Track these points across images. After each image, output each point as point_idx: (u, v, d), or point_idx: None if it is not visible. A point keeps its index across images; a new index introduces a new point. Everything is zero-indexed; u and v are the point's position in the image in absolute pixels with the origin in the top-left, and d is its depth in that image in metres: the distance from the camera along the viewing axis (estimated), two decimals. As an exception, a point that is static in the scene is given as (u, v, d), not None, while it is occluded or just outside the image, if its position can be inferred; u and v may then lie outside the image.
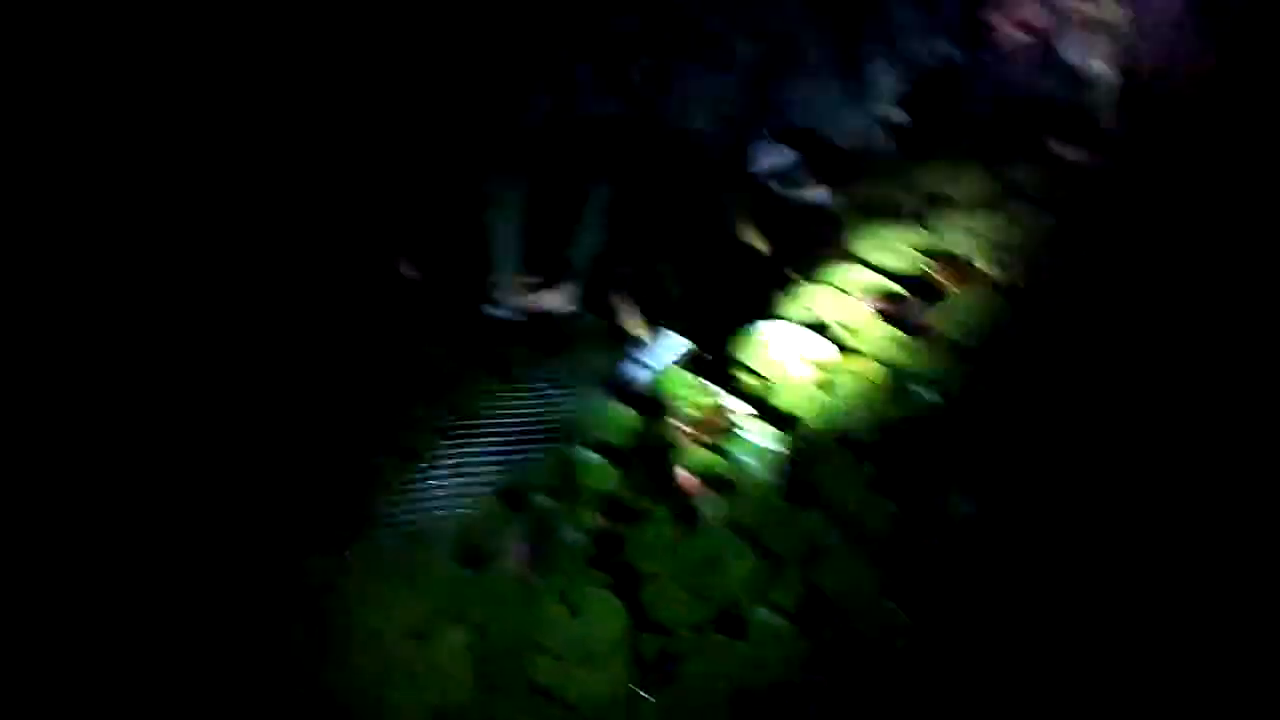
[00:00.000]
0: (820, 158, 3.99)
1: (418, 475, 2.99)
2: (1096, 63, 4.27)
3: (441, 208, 3.49)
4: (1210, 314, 3.36)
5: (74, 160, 3.56)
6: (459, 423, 3.13)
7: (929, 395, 3.19)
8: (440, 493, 2.95)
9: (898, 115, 4.04)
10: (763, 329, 3.39)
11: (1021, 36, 4.42)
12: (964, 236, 3.75)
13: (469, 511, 2.90)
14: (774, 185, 3.95)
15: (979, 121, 4.30)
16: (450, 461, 3.03)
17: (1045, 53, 4.42)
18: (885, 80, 3.99)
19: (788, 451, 2.90)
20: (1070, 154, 4.10)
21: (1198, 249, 3.58)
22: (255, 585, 2.76)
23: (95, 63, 3.64)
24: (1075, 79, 4.36)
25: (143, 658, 2.64)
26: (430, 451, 3.05)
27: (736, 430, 3.09)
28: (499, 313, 3.46)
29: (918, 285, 3.57)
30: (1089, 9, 4.33)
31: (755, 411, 3.15)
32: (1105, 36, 4.21)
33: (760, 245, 3.56)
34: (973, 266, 3.63)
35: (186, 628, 2.68)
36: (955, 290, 3.54)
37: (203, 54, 3.78)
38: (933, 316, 3.45)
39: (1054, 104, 4.34)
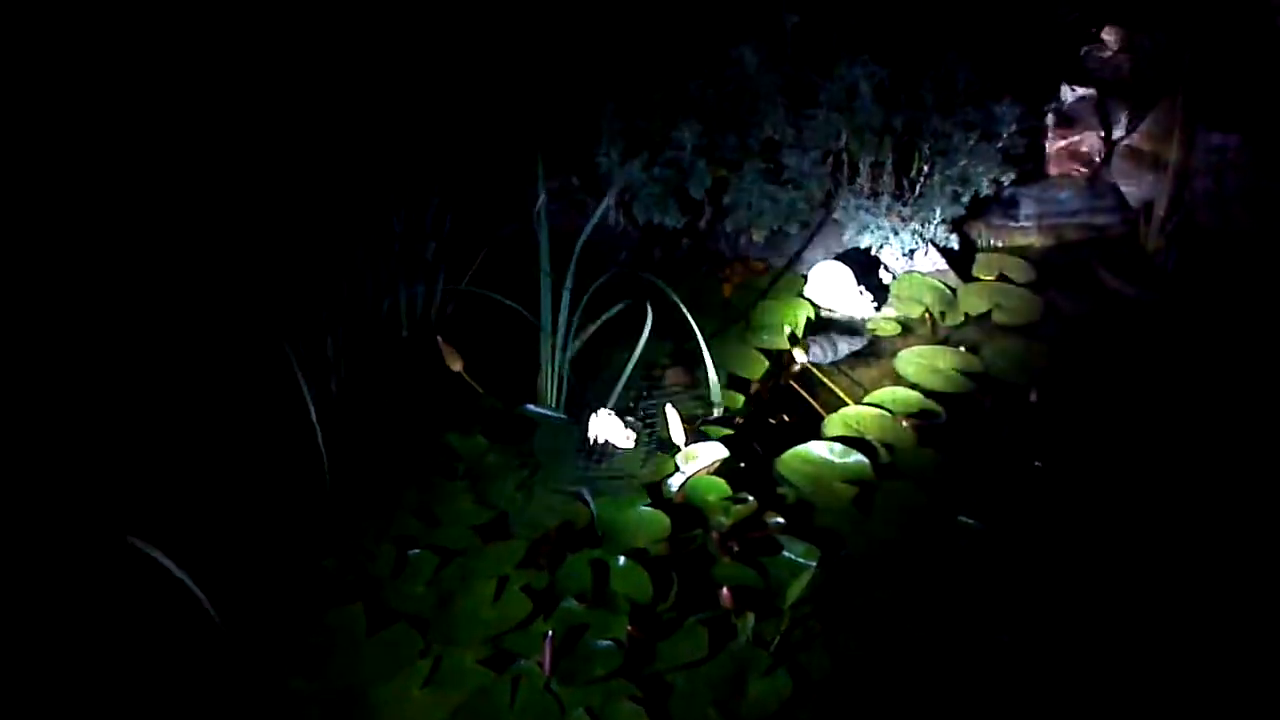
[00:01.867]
0: (872, 277, 4.00)
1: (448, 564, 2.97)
2: (1146, 195, 4.30)
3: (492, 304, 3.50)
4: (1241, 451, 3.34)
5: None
6: (493, 517, 3.11)
7: (971, 522, 3.14)
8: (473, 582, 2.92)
9: (950, 238, 4.05)
10: (804, 444, 3.37)
11: (1076, 165, 4.46)
12: (1008, 361, 3.74)
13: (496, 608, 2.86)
14: (823, 302, 3.96)
15: (1030, 246, 4.33)
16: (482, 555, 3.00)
17: (1096, 182, 4.46)
18: (940, 202, 4.01)
19: (824, 571, 2.83)
20: (1117, 284, 4.10)
21: (1235, 387, 3.58)
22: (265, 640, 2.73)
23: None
24: (1125, 209, 4.39)
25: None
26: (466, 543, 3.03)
27: (775, 542, 3.04)
28: (541, 410, 3.45)
29: (961, 407, 3.55)
30: (1144, 144, 4.37)
31: (789, 525, 3.11)
32: (1157, 171, 4.23)
33: (800, 355, 3.54)
34: (1016, 390, 3.61)
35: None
36: (999, 415, 3.51)
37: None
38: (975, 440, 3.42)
39: (1103, 233, 4.37)
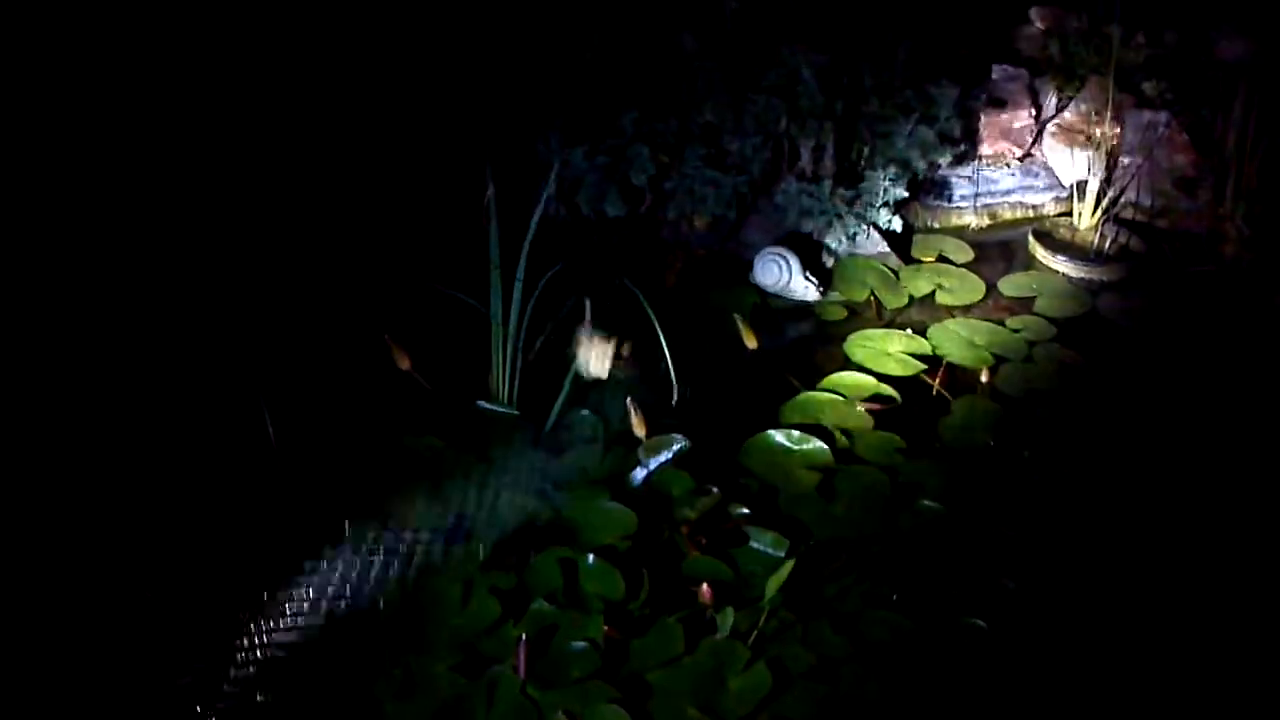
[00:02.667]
0: (815, 261, 3.97)
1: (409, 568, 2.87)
2: (1079, 173, 4.33)
3: (438, 299, 3.39)
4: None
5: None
6: (456, 519, 3.02)
7: (932, 505, 3.13)
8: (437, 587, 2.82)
9: (891, 220, 4.03)
10: (763, 433, 3.33)
11: (1008, 145, 4.48)
12: (960, 344, 3.74)
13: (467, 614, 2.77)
14: (769, 288, 3.92)
15: (966, 226, 4.34)
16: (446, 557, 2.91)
17: (1029, 161, 4.48)
18: (881, 186, 3.99)
19: (792, 560, 2.79)
20: (1054, 262, 4.13)
21: (1173, 354, 3.69)
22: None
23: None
24: (1058, 187, 4.42)
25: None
26: (424, 547, 2.94)
27: (742, 533, 3.00)
28: (493, 407, 3.36)
29: (915, 391, 3.54)
30: (1075, 122, 4.40)
31: (755, 514, 3.07)
32: (1089, 149, 4.26)
33: (750, 342, 3.49)
34: (969, 374, 3.61)
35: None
36: (951, 398, 3.51)
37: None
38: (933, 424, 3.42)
39: (1037, 211, 4.40)
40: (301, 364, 3.40)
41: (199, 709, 2.48)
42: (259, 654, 2.64)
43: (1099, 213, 4.23)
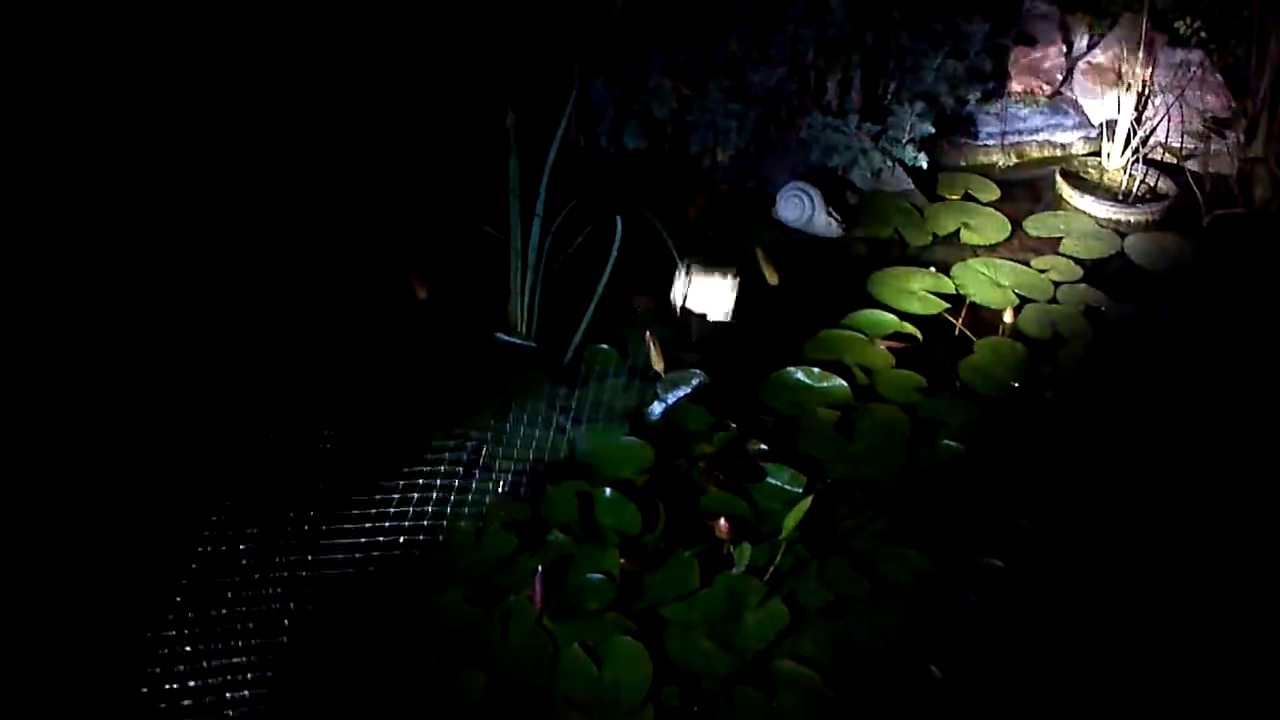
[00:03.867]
0: (838, 197, 3.90)
1: (428, 503, 2.84)
2: (1109, 112, 4.24)
3: (458, 230, 3.35)
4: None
5: (74, 160, 3.40)
6: (472, 449, 2.99)
7: (952, 444, 3.09)
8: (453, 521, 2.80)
9: (917, 156, 3.95)
10: (782, 369, 3.29)
11: (1038, 82, 4.39)
12: (984, 284, 3.69)
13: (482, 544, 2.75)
14: (792, 223, 3.86)
15: (993, 165, 4.27)
16: (462, 490, 2.88)
17: (1059, 99, 4.40)
18: (908, 121, 3.91)
19: (810, 496, 2.75)
20: (1087, 204, 4.05)
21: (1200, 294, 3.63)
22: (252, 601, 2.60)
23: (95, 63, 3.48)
24: (1087, 126, 4.34)
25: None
26: (442, 479, 2.91)
27: (759, 469, 2.97)
28: (512, 339, 3.32)
29: (938, 330, 3.49)
30: (1106, 60, 4.31)
31: (772, 451, 3.03)
32: (1120, 88, 4.17)
33: (771, 278, 3.43)
34: (993, 314, 3.55)
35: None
36: (974, 338, 3.45)
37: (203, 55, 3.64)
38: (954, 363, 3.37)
39: (1066, 150, 4.32)
40: (323, 295, 3.36)
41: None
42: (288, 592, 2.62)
43: (1128, 153, 4.14)
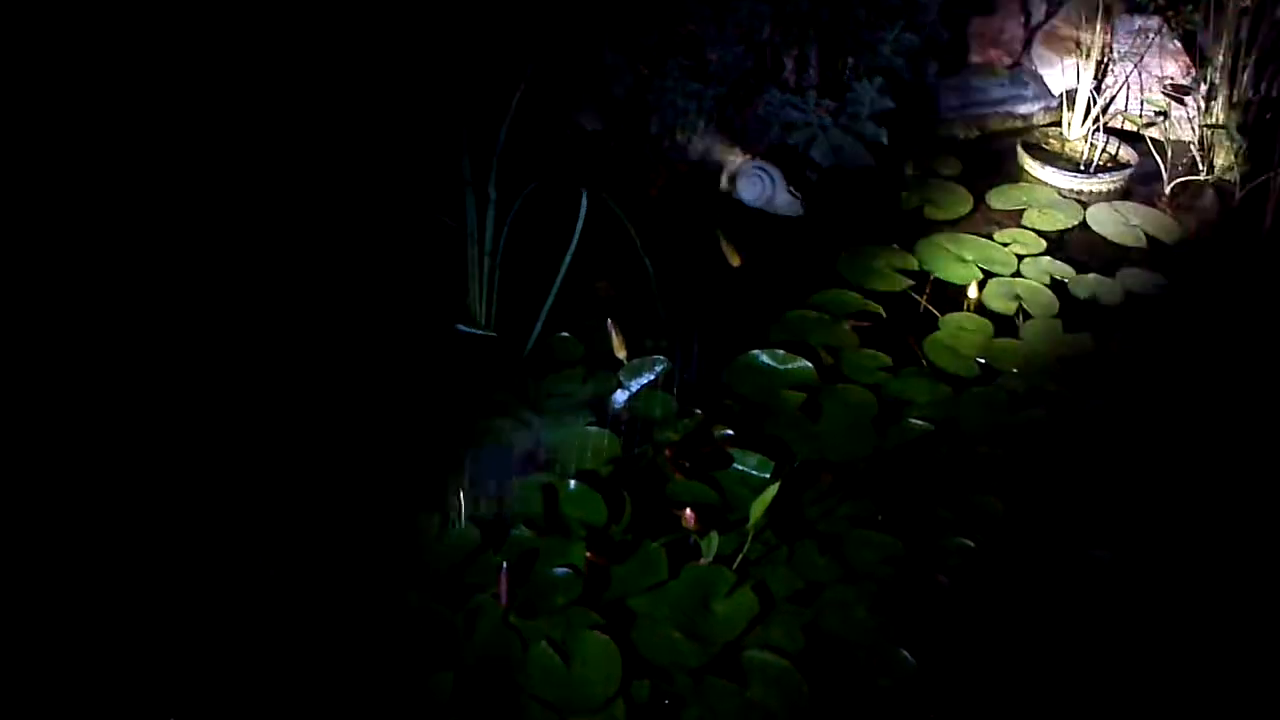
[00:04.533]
0: (799, 175, 3.86)
1: (388, 498, 2.79)
2: (1068, 81, 4.22)
3: (414, 218, 3.29)
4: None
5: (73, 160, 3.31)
6: (430, 443, 2.94)
7: (919, 422, 3.06)
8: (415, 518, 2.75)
9: (877, 131, 3.91)
10: (747, 352, 3.25)
11: (997, 53, 4.36)
12: (947, 259, 3.66)
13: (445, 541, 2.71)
14: (753, 203, 3.81)
15: (954, 137, 4.24)
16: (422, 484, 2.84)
17: (1018, 70, 4.37)
18: (867, 96, 3.87)
19: (776, 482, 2.72)
20: (1049, 175, 4.03)
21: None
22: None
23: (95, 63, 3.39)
24: (1047, 97, 4.31)
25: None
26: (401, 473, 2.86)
27: (726, 455, 2.93)
28: (472, 330, 3.27)
29: (903, 308, 3.47)
30: (1064, 29, 4.28)
31: (739, 436, 3.00)
32: (1079, 57, 4.14)
33: (734, 260, 3.39)
34: (957, 290, 3.53)
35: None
36: (939, 314, 3.43)
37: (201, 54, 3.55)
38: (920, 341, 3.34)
39: (1026, 121, 4.30)
40: (277, 289, 3.30)
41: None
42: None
43: (1089, 123, 4.12)
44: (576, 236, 3.09)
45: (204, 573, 2.59)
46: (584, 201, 3.06)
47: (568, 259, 3.13)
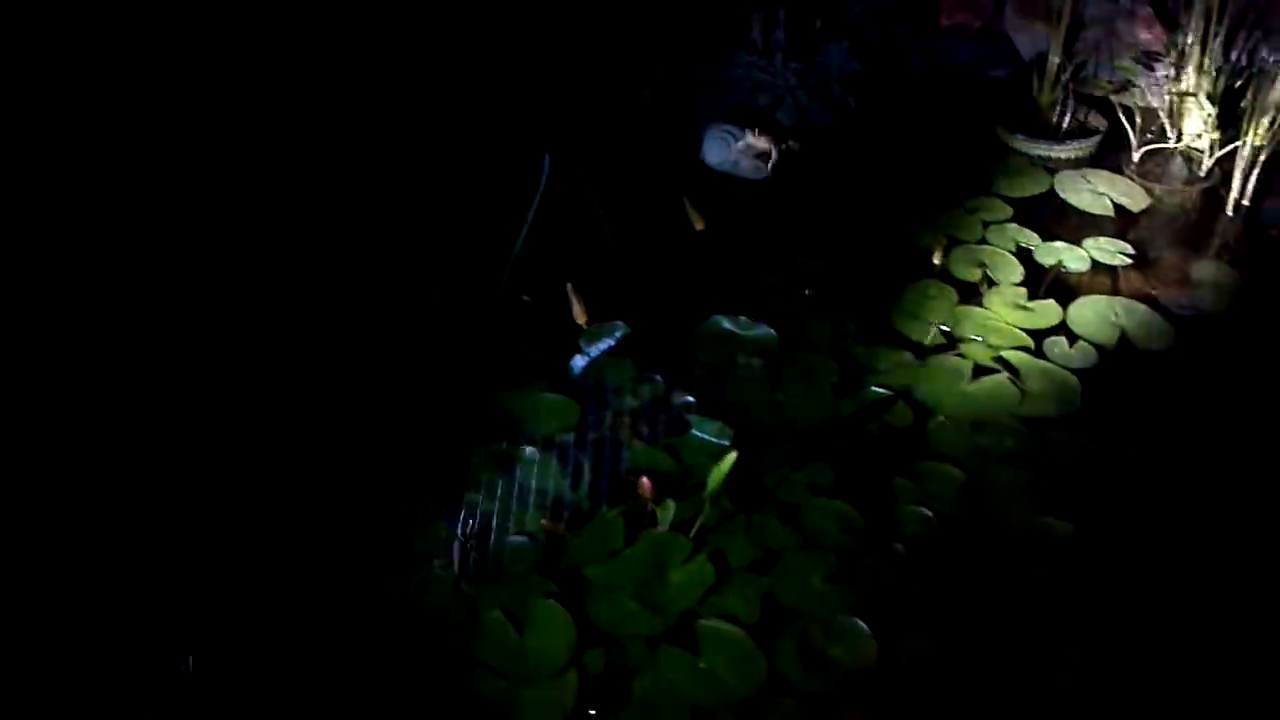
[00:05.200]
0: (765, 136, 3.82)
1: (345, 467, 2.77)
2: (1039, 46, 4.19)
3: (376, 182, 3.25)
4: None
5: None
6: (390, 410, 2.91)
7: (880, 390, 3.05)
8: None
9: (845, 94, 3.88)
10: (709, 318, 3.23)
11: (967, 16, 4.32)
12: (916, 224, 3.64)
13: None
14: (718, 166, 3.78)
15: (926, 103, 4.21)
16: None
17: (988, 33, 4.33)
18: (835, 59, 3.83)
19: (734, 451, 2.70)
20: (1019, 141, 4.01)
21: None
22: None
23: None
24: (1017, 61, 4.28)
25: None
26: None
27: (685, 422, 2.92)
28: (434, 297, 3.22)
29: (866, 273, 3.45)
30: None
31: (699, 403, 2.98)
32: (1050, 21, 4.11)
33: (697, 223, 3.36)
34: (922, 254, 3.51)
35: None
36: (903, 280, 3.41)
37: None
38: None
39: (996, 85, 4.27)
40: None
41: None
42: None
43: (1058, 88, 4.09)
44: (537, 199, 3.05)
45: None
46: (546, 164, 3.02)
47: (528, 222, 3.09)
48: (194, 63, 3.37)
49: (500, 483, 2.74)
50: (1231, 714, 2.36)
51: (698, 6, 3.80)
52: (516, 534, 2.62)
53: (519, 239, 3.11)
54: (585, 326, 3.10)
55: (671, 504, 2.63)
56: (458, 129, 3.06)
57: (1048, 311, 3.31)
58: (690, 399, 2.99)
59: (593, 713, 2.33)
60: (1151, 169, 3.92)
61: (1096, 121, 4.05)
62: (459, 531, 2.55)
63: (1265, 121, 3.69)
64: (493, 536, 2.62)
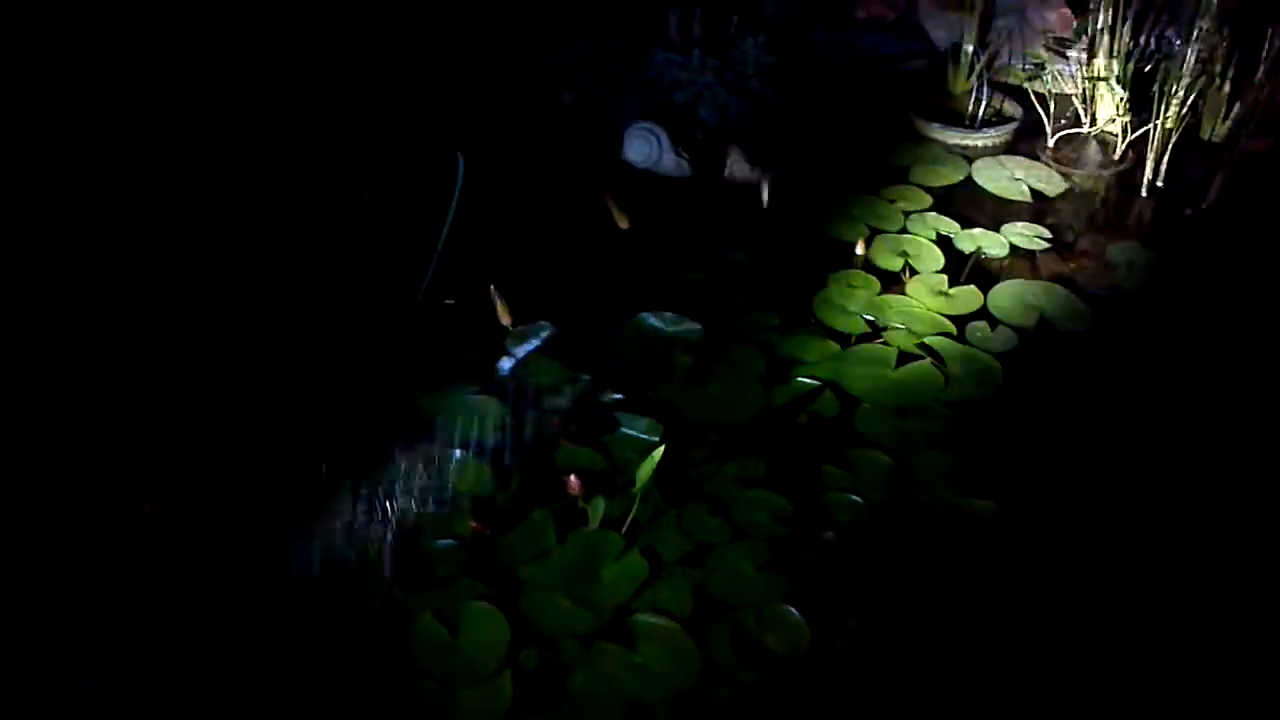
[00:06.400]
0: (687, 135, 3.87)
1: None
2: (954, 36, 4.27)
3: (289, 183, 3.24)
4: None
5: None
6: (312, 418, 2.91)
7: (807, 380, 3.10)
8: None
9: (762, 89, 3.93)
10: (635, 316, 3.27)
11: (882, 8, 4.39)
12: (835, 217, 3.69)
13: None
14: (640, 164, 3.81)
15: (843, 95, 4.27)
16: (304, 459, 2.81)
17: (903, 25, 4.41)
18: (751, 54, 3.88)
19: (662, 445, 2.73)
20: (935, 131, 4.08)
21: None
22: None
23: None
24: (933, 52, 4.36)
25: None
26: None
27: (614, 419, 2.95)
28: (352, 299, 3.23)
29: (790, 266, 3.50)
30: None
31: (628, 400, 3.01)
32: (963, 12, 4.20)
33: (622, 222, 3.39)
34: (844, 247, 3.57)
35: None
36: (827, 271, 3.47)
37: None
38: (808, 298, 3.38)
39: (912, 76, 4.34)
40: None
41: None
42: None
43: (973, 77, 4.18)
44: (455, 200, 3.07)
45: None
46: (460, 165, 3.04)
47: (448, 224, 3.10)
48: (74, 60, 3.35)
49: (428, 486, 2.74)
50: (1145, 679, 2.44)
51: (613, 6, 3.82)
52: (445, 538, 2.63)
53: (440, 241, 3.11)
54: (511, 328, 3.12)
55: (602, 501, 2.66)
56: (367, 131, 3.05)
57: (969, 297, 3.38)
58: (618, 396, 3.02)
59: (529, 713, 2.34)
60: (1067, 154, 4.02)
61: (1012, 109, 4.15)
62: (387, 537, 2.54)
63: (1174, 104, 3.81)
64: (422, 540, 2.62)
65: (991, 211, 3.77)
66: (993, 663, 2.46)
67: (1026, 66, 4.24)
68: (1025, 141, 4.08)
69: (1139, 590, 2.59)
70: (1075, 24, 4.21)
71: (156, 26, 3.50)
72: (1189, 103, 3.79)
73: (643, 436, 2.91)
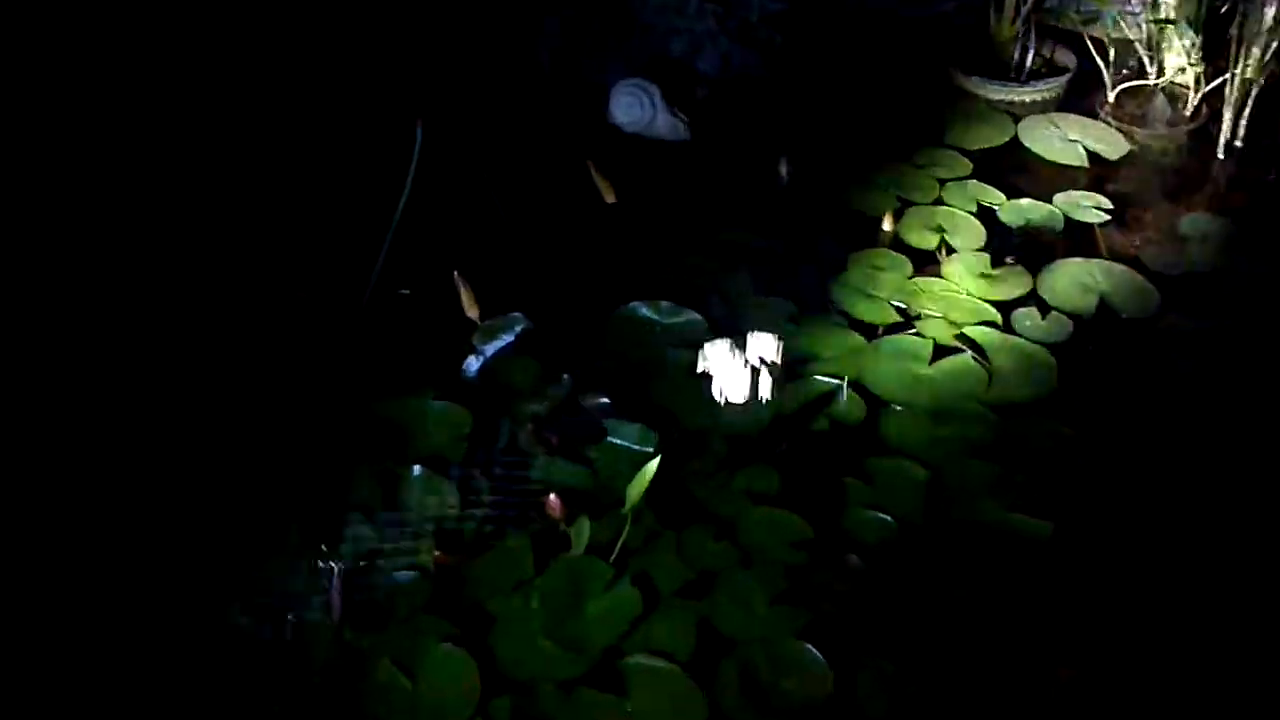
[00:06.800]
0: (684, 93, 3.87)
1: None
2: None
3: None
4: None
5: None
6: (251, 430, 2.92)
7: (825, 379, 3.11)
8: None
9: (772, 35, 3.93)
10: (625, 306, 3.27)
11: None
12: (859, 187, 3.70)
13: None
14: (629, 127, 3.82)
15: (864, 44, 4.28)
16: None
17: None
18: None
19: (657, 458, 2.73)
20: (976, 85, 4.09)
21: None
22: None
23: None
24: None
25: None
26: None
27: (601, 427, 2.95)
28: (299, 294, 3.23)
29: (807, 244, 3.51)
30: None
31: (616, 404, 3.02)
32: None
33: (607, 195, 3.39)
34: (870, 221, 3.57)
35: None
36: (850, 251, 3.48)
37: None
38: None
39: (949, 23, 4.35)
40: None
41: None
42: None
43: (1019, 21, 4.17)
44: (411, 173, 3.07)
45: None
46: (418, 135, 3.04)
47: (404, 197, 3.10)
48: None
49: (384, 508, 2.75)
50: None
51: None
52: (405, 569, 2.63)
53: (393, 221, 3.12)
54: (478, 321, 3.13)
55: (587, 523, 2.66)
56: (311, 98, 3.06)
57: (1015, 279, 3.39)
58: (605, 400, 3.02)
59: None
60: (1130, 110, 4.02)
61: (1064, 58, 4.15)
62: (338, 569, 2.55)
63: (1256, 50, 3.80)
64: (378, 573, 2.62)
65: (1042, 178, 3.78)
66: (1050, 711, 2.46)
67: (1082, 9, 4.23)
68: (1080, 96, 4.09)
69: (1228, 626, 2.59)
70: (1141, -44, 4.20)
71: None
72: (1273, 48, 3.78)
73: (634, 447, 2.92)
